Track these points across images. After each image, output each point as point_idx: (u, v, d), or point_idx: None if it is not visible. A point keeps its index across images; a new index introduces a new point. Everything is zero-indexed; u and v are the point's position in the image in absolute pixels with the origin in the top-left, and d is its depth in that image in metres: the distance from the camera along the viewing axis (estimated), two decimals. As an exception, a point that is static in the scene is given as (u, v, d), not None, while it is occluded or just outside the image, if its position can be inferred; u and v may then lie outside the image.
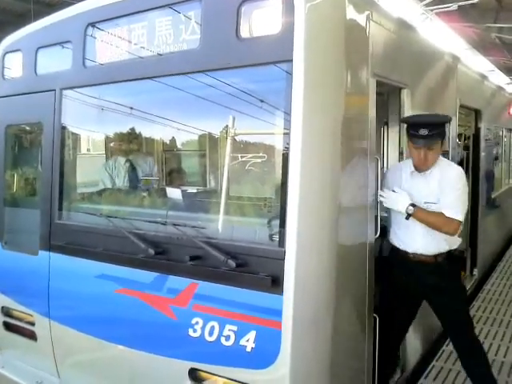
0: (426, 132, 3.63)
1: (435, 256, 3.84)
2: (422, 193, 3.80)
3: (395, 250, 3.98)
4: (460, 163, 6.47)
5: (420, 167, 3.82)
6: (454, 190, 3.71)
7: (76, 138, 4.64)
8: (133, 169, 4.75)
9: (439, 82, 5.33)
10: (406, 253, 3.90)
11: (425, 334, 4.89)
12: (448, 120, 4.05)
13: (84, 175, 4.97)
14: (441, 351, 5.06)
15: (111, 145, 5.07)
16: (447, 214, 3.64)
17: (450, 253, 3.89)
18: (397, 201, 3.75)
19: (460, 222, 3.66)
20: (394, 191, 3.80)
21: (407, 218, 3.74)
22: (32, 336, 4.34)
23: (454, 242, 3.93)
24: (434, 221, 3.70)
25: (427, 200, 3.77)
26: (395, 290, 4.00)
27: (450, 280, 3.92)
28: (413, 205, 3.71)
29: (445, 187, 3.71)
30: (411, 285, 3.94)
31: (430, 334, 5.09)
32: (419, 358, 4.84)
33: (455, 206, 3.66)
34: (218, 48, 3.22)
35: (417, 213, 3.71)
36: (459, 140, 6.49)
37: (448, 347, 5.04)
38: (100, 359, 3.94)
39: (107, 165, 4.85)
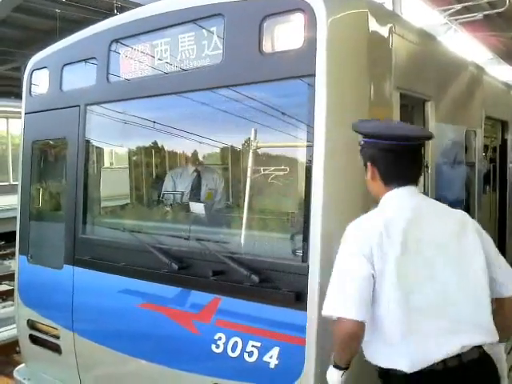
0: None
1: None
2: None
3: None
4: (486, 176, 6.36)
5: None
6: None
7: (100, 152, 4.70)
8: (199, 179, 4.78)
9: (464, 93, 5.26)
10: None
11: None
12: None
13: (108, 189, 5.02)
14: None
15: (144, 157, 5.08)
16: None
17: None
18: None
19: (340, 317, 2.23)
20: None
21: None
22: (57, 349, 4.37)
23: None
24: None
25: None
26: None
27: None
28: None
29: None
30: None
31: None
32: None
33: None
34: (240, 63, 3.23)
35: None
36: (485, 152, 6.37)
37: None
38: (123, 373, 3.94)
39: (173, 172, 4.87)
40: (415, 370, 2.21)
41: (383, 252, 2.22)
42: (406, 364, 2.22)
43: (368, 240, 2.26)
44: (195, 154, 4.62)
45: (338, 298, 2.22)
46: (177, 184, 4.71)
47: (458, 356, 2.22)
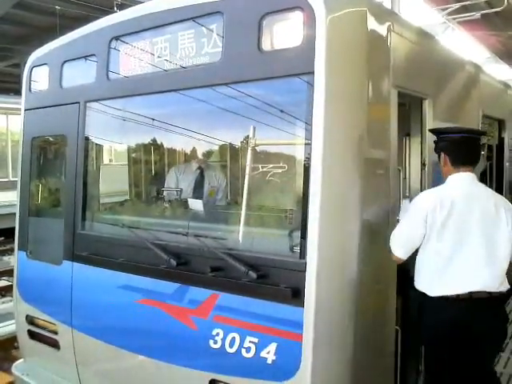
0: None
1: None
2: None
3: None
4: (483, 174, 6.38)
5: None
6: None
7: (99, 149, 4.71)
8: (202, 177, 4.79)
9: (461, 92, 5.28)
10: None
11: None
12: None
13: (108, 186, 5.03)
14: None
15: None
16: None
17: None
18: None
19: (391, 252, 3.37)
20: None
21: None
22: (55, 345, 4.39)
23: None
24: None
25: None
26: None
27: None
28: None
29: None
30: None
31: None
32: None
33: None
34: (239, 61, 3.24)
35: None
36: (482, 150, 6.38)
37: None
38: (121, 369, 3.96)
39: (177, 168, 4.89)
40: (434, 295, 3.32)
41: (434, 216, 3.24)
42: (430, 290, 3.35)
43: (425, 206, 3.28)
44: (194, 151, 4.64)
45: (395, 241, 3.31)
46: (179, 180, 4.72)
47: (469, 293, 3.24)
